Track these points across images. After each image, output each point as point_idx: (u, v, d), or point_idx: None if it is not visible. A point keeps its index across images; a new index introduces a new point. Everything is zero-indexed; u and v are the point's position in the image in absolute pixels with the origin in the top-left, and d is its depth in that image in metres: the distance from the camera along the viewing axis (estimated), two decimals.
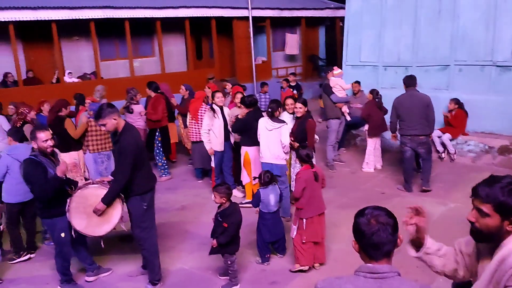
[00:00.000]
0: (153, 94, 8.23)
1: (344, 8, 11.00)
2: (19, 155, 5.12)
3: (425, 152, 6.94)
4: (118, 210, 4.61)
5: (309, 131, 6.10)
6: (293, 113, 6.51)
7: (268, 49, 15.67)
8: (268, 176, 5.06)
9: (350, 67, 10.50)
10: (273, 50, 16.31)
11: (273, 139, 5.90)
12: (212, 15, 13.65)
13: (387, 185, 7.43)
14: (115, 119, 4.33)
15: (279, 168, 5.92)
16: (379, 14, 9.86)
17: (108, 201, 4.40)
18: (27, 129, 6.99)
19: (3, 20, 10.29)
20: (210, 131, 6.96)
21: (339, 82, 8.23)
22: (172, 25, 13.78)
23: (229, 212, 4.52)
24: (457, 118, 8.33)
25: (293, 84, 12.27)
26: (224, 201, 4.54)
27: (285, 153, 5.96)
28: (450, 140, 8.34)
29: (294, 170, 6.31)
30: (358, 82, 9.51)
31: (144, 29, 13.50)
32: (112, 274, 5.06)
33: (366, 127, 8.12)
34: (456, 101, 8.35)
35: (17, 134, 5.63)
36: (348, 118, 8.39)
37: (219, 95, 7.06)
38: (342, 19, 14.32)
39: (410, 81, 6.96)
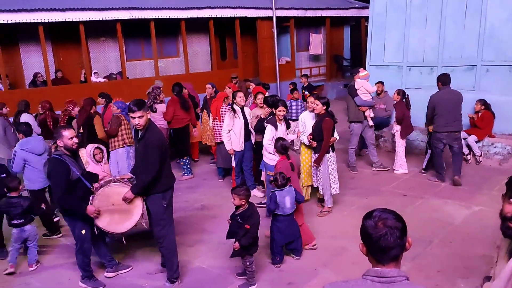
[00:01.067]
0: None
1: (369, 8, 10.85)
2: (32, 148, 5.79)
3: (458, 147, 7.16)
4: (139, 207, 4.71)
5: (325, 130, 6.04)
6: (312, 110, 6.48)
7: (292, 49, 15.61)
8: (284, 177, 5.03)
9: (374, 67, 10.34)
10: (297, 50, 16.24)
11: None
12: (236, 15, 13.69)
13: (410, 187, 7.28)
14: (149, 113, 4.47)
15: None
16: (404, 13, 9.68)
17: (137, 190, 4.53)
18: (74, 124, 7.28)
19: (33, 21, 10.58)
20: (231, 131, 6.99)
21: (365, 85, 8.07)
22: (197, 26, 13.89)
23: (249, 214, 4.51)
24: (483, 120, 8.10)
25: (305, 85, 12.08)
26: (243, 203, 4.53)
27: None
28: (476, 142, 8.11)
29: (319, 170, 6.27)
30: (381, 83, 9.36)
31: (169, 30, 13.65)
32: (132, 271, 5.13)
33: (397, 128, 7.92)
34: (482, 102, 8.11)
35: (26, 130, 5.96)
36: (371, 123, 8.17)
37: (240, 94, 7.08)
38: (367, 18, 14.12)
39: (446, 79, 7.13)
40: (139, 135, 4.52)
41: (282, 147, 5.39)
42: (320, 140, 6.11)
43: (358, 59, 17.23)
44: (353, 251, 5.21)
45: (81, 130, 7.15)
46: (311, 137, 6.23)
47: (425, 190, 7.07)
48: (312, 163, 6.28)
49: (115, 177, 4.94)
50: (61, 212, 4.75)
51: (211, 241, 5.74)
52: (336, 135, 6.35)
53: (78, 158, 4.72)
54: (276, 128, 6.18)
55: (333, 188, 6.29)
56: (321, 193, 6.34)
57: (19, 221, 5.20)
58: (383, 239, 1.80)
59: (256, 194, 7.12)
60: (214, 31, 13.61)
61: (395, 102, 8.03)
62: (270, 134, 6.15)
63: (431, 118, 7.21)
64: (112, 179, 4.86)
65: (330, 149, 6.19)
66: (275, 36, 14.46)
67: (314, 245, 5.39)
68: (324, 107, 6.15)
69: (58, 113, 8.13)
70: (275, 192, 4.97)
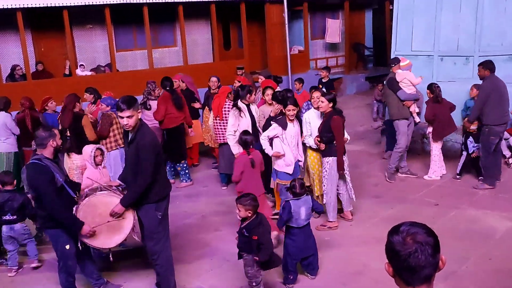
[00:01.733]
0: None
1: None
2: None
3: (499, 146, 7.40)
4: (129, 219, 4.71)
5: (335, 129, 6.02)
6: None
7: (306, 37, 15.58)
8: (302, 185, 5.02)
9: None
10: (312, 38, 16.20)
11: None
12: None
13: (442, 195, 7.23)
14: (139, 112, 4.46)
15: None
16: None
17: (128, 202, 4.53)
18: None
19: (10, 7, 10.65)
20: (237, 132, 6.96)
21: (408, 76, 7.91)
22: (196, 11, 13.91)
23: (255, 224, 4.51)
24: None
25: (325, 80, 11.81)
26: (249, 215, 4.51)
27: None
28: None
29: (324, 177, 6.26)
30: None
31: (164, 16, 13.68)
32: None
33: (429, 129, 7.87)
34: None
35: None
36: (417, 119, 8.05)
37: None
38: (392, 1, 14.08)
39: (492, 66, 7.21)
40: (129, 137, 4.52)
41: (242, 141, 5.88)
42: (329, 142, 6.08)
43: (382, 48, 17.15)
44: (377, 268, 5.17)
45: (68, 134, 7.11)
46: (318, 139, 6.21)
47: (459, 199, 7.02)
48: (329, 171, 6.24)
49: (101, 185, 4.93)
50: (40, 224, 4.77)
51: (213, 257, 5.74)
52: (346, 135, 6.33)
53: (59, 163, 4.75)
54: (284, 129, 6.14)
55: (351, 193, 6.39)
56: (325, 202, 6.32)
57: (11, 218, 5.49)
58: (413, 257, 1.78)
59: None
60: (216, 17, 13.61)
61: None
62: (271, 133, 6.20)
63: (480, 111, 7.22)
64: (98, 187, 4.85)
65: None
66: (286, 22, 14.42)
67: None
68: (331, 104, 6.11)
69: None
70: (290, 201, 4.95)
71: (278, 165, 6.20)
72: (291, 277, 5.00)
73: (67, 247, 4.61)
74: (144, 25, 12.49)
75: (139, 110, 4.47)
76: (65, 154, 7.06)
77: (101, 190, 4.77)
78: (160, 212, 4.60)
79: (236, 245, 4.66)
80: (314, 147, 6.44)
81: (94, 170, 5.83)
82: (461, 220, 6.33)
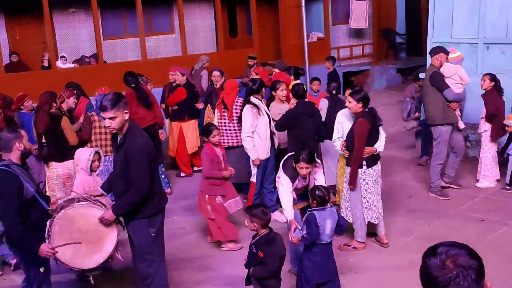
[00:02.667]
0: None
1: None
2: None
3: None
4: (113, 235, 4.68)
5: (356, 134, 5.92)
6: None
7: (326, 21, 15.55)
8: (324, 193, 4.98)
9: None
10: (333, 23, 16.17)
11: None
12: None
13: (489, 209, 7.18)
14: (126, 113, 4.42)
15: None
16: None
17: (120, 211, 4.52)
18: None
19: None
20: (254, 133, 6.96)
21: (459, 72, 7.60)
22: None
23: (266, 241, 4.53)
24: None
25: (330, 71, 11.84)
26: (255, 228, 4.55)
27: None
28: None
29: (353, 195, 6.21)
30: None
31: None
32: None
33: (485, 127, 7.82)
34: None
35: None
36: (461, 125, 7.77)
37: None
38: None
39: None
40: (118, 141, 4.53)
41: (204, 130, 6.50)
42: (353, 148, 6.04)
43: (416, 35, 17.09)
44: None
45: (43, 139, 7.12)
46: (344, 145, 6.19)
47: (510, 213, 6.96)
48: (346, 184, 6.21)
49: (79, 195, 4.90)
50: (8, 242, 4.75)
51: (217, 282, 5.73)
52: (378, 145, 6.16)
53: (29, 170, 4.75)
54: (293, 181, 6.07)
55: (366, 214, 6.14)
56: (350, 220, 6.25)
57: None
58: (454, 283, 1.76)
59: (278, 218, 7.08)
60: None
61: (484, 91, 7.82)
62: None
63: None
64: (76, 197, 4.83)
65: (365, 162, 6.01)
66: (303, 4, 14.43)
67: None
68: (360, 105, 5.98)
69: None
70: (314, 212, 4.91)
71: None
72: None
73: (41, 269, 4.59)
74: (136, 9, 12.56)
75: (126, 110, 4.44)
76: (43, 163, 7.10)
77: (79, 201, 4.71)
78: (154, 229, 4.61)
79: (244, 265, 4.67)
80: (341, 152, 6.44)
81: (87, 177, 5.85)
82: (511, 239, 6.28)
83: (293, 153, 5.40)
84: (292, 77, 8.39)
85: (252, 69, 10.33)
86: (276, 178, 5.82)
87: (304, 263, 5.03)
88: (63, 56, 12.19)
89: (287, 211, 5.21)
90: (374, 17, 16.36)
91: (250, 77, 8.60)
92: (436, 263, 1.81)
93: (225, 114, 7.65)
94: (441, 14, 10.22)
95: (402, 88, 15.48)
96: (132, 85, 8.35)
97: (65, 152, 6.83)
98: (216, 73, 9.13)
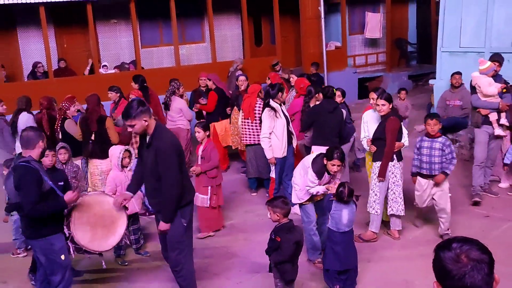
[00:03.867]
0: (137, 87, 8.93)
1: None
2: None
3: None
4: (123, 220, 4.83)
5: (389, 131, 5.92)
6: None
7: (343, 32, 15.44)
8: (351, 193, 4.97)
9: (448, 54, 10.11)
10: (350, 33, 16.05)
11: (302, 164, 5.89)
12: None
13: (495, 205, 7.04)
14: (145, 120, 4.40)
15: None
16: None
17: (171, 215, 4.52)
18: (68, 125, 7.43)
19: (33, 1, 10.92)
20: (272, 134, 6.95)
21: (480, 82, 7.22)
22: (226, 4, 13.97)
23: (286, 228, 4.56)
24: None
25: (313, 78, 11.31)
26: (277, 218, 4.56)
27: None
28: None
29: (381, 185, 6.13)
30: (459, 73, 9.05)
31: (192, 10, 13.80)
32: None
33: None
34: None
35: None
36: (497, 131, 7.18)
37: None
38: None
39: None
40: (147, 140, 4.56)
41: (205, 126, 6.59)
42: (382, 145, 5.99)
43: (427, 44, 16.86)
44: (420, 286, 5.08)
45: (93, 137, 7.21)
46: (370, 142, 6.16)
47: None
48: (375, 176, 6.13)
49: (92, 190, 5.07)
50: (27, 235, 4.63)
51: (242, 269, 5.72)
52: (404, 139, 6.20)
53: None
54: (320, 178, 6.05)
55: (391, 207, 6.15)
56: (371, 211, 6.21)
57: None
58: (469, 276, 1.72)
59: (297, 211, 7.04)
60: (247, 11, 13.63)
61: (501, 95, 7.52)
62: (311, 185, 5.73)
63: None
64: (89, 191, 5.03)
65: (395, 156, 6.04)
66: (323, 16, 14.34)
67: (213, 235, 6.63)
68: (391, 105, 6.03)
69: None
70: (333, 200, 4.99)
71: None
72: (338, 287, 4.97)
73: (62, 257, 4.56)
74: (170, 20, 12.62)
75: (145, 117, 4.40)
76: (87, 159, 7.18)
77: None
78: (185, 219, 4.61)
79: (265, 251, 4.66)
80: (367, 149, 6.42)
81: (118, 173, 5.91)
82: None
83: (323, 152, 5.45)
84: None
85: (280, 73, 10.35)
86: (294, 173, 5.84)
87: (326, 252, 5.06)
88: (105, 65, 12.29)
89: (319, 189, 5.40)
90: (387, 27, 16.18)
91: (269, 83, 8.62)
92: (451, 257, 1.77)
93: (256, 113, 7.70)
94: (450, 25, 10.08)
95: (413, 93, 15.30)
96: (145, 84, 8.94)
97: (107, 150, 6.90)
98: (242, 77, 9.12)
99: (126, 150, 6.02)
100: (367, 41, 16.62)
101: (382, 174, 6.01)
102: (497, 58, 7.38)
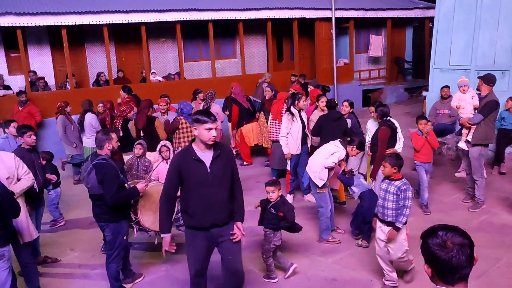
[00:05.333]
0: (126, 96, 8.95)
1: (434, 8, 10.42)
2: None
3: None
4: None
5: (379, 139, 5.96)
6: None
7: (351, 51, 15.30)
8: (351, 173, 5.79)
9: (439, 71, 9.93)
10: (356, 52, 15.90)
11: (320, 152, 5.80)
12: (294, 16, 13.61)
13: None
14: (195, 128, 3.68)
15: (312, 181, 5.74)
16: (474, 13, 9.21)
17: (243, 216, 4.01)
18: (131, 126, 7.53)
19: (98, 23, 11.07)
20: (289, 134, 6.95)
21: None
22: (254, 27, 13.97)
23: (282, 202, 4.86)
24: None
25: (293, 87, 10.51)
26: (278, 195, 4.83)
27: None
28: None
29: (375, 184, 6.02)
30: (447, 87, 8.93)
31: (226, 31, 13.82)
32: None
33: None
34: None
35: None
36: (461, 144, 6.74)
37: (304, 98, 7.09)
38: (431, 19, 13.57)
39: None
40: (213, 154, 3.64)
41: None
42: (377, 151, 5.94)
43: (420, 62, 16.63)
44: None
45: (142, 134, 7.31)
46: (369, 147, 6.16)
47: (493, 203, 6.67)
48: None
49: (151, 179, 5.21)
50: (105, 220, 4.59)
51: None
52: (398, 146, 6.14)
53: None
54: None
55: None
56: None
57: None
58: (455, 259, 1.69)
59: (310, 199, 7.03)
60: (271, 33, 13.61)
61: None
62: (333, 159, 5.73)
63: None
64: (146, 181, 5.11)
65: None
66: (334, 38, 14.24)
67: None
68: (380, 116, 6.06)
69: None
70: (353, 176, 5.79)
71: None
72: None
73: (125, 237, 4.66)
74: (209, 39, 12.67)
75: (195, 127, 3.65)
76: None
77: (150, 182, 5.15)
78: None
79: (258, 223, 5.05)
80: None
81: (162, 164, 5.96)
82: (493, 222, 6.01)
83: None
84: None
85: (292, 85, 10.30)
86: (309, 163, 5.85)
87: (360, 208, 5.68)
88: (154, 72, 12.40)
89: (335, 160, 5.63)
90: (388, 48, 15.96)
91: (291, 92, 8.58)
92: (438, 243, 1.75)
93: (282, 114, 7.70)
94: (441, 46, 9.91)
95: (408, 103, 15.09)
96: (132, 93, 9.19)
97: (155, 145, 6.97)
98: (268, 88, 9.14)
99: (163, 145, 6.07)
100: (371, 59, 16.44)
101: (373, 175, 6.00)
102: (483, 77, 6.54)
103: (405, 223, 4.38)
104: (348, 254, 5.38)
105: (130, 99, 8.39)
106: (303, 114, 7.16)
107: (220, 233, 3.79)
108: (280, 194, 4.86)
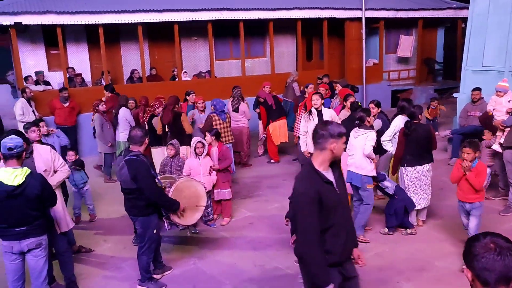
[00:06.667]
0: (109, 94, 9.47)
1: (467, 8, 10.12)
2: None
3: None
4: (204, 200, 5.17)
5: (399, 141, 5.95)
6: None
7: (381, 51, 15.04)
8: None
9: (471, 72, 9.63)
10: (386, 52, 15.61)
11: (357, 147, 5.66)
12: (324, 16, 13.48)
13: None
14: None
15: (358, 179, 5.61)
16: (509, 14, 8.88)
17: None
18: (155, 122, 7.64)
19: (133, 21, 11.26)
20: (307, 133, 6.91)
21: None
22: (284, 26, 13.90)
23: None
24: None
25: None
26: None
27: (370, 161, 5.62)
28: None
29: (401, 181, 5.95)
30: (479, 89, 8.67)
31: (257, 30, 13.81)
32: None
33: None
34: None
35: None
36: (494, 146, 6.56)
37: (315, 97, 6.99)
38: (464, 19, 13.19)
39: None
40: (331, 170, 3.12)
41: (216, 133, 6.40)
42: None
43: (451, 63, 16.20)
44: (439, 267, 4.89)
45: (167, 129, 7.40)
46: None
47: None
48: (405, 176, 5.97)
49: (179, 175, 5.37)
50: (137, 214, 4.66)
51: (290, 242, 5.68)
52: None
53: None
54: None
55: (419, 203, 5.90)
56: None
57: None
58: (500, 260, 1.66)
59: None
60: (301, 32, 13.52)
61: None
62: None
63: None
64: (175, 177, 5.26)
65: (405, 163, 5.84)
66: (364, 38, 14.03)
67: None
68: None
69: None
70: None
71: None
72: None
73: (155, 231, 4.73)
74: (239, 38, 12.70)
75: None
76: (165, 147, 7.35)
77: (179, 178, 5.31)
78: None
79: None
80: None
81: (193, 160, 6.01)
82: None
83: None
84: None
85: (318, 86, 10.23)
86: (360, 163, 5.66)
87: (393, 205, 5.76)
88: (185, 72, 12.51)
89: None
90: (418, 48, 15.62)
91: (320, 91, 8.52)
92: (482, 245, 1.74)
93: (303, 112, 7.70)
94: (474, 47, 9.61)
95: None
96: (114, 92, 9.62)
97: (182, 139, 7.05)
98: (311, 86, 9.12)
99: (199, 141, 6.10)
100: (400, 59, 16.13)
101: (394, 171, 6.12)
102: None
103: None
104: (375, 254, 5.30)
105: (113, 97, 9.17)
106: (329, 113, 7.00)
107: (352, 266, 3.21)
108: None
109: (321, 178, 2.96)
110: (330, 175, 3.04)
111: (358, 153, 5.61)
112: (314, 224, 2.88)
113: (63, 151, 7.07)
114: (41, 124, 6.56)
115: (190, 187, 5.04)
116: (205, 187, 5.37)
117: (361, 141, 5.57)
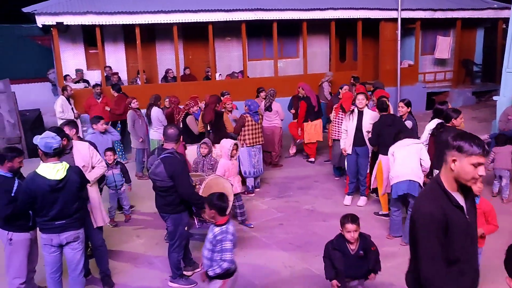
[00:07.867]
0: (116, 94, 9.81)
1: (509, 9, 9.77)
2: None
3: None
4: (231, 196, 5.12)
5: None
6: None
7: (416, 52, 14.71)
8: None
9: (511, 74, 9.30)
10: (422, 53, 15.24)
11: (412, 153, 5.54)
12: (359, 17, 13.30)
13: None
14: None
15: (416, 188, 5.45)
16: None
17: None
18: (189, 120, 7.74)
19: (169, 21, 11.45)
20: (348, 131, 6.88)
21: None
22: (318, 27, 13.80)
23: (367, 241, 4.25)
24: None
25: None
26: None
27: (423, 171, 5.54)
28: None
29: None
30: None
31: (290, 31, 13.77)
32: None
33: None
34: None
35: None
36: None
37: (359, 97, 6.86)
38: (506, 20, 12.72)
39: None
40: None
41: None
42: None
43: (491, 65, 15.65)
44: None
45: (208, 128, 7.48)
46: None
47: None
48: None
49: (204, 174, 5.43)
50: (169, 211, 4.69)
51: (320, 244, 5.62)
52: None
53: None
54: None
55: None
56: None
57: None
58: None
59: (360, 203, 6.93)
60: (335, 33, 13.39)
61: None
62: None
63: None
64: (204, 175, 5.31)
65: None
66: (399, 39, 13.75)
67: None
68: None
69: (181, 107, 8.64)
70: None
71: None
72: None
73: (186, 228, 4.80)
74: (272, 39, 12.70)
75: None
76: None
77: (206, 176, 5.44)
78: None
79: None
80: None
81: (228, 161, 6.05)
82: None
83: None
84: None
85: (354, 87, 10.09)
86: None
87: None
88: (220, 75, 12.62)
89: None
90: (456, 49, 15.18)
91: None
92: None
93: (340, 114, 7.62)
94: None
95: (476, 107, 14.31)
96: (121, 92, 9.90)
97: (222, 138, 7.09)
98: (346, 87, 8.98)
99: (235, 143, 6.13)
100: (437, 61, 15.72)
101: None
102: None
103: None
104: (408, 260, 5.18)
105: (120, 97, 9.51)
106: (369, 115, 6.83)
107: None
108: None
109: (450, 199, 2.51)
110: (459, 197, 2.56)
111: (414, 161, 5.51)
112: (436, 251, 2.45)
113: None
114: (101, 122, 6.89)
115: (218, 184, 5.13)
116: (234, 187, 5.46)
117: (415, 149, 5.54)
